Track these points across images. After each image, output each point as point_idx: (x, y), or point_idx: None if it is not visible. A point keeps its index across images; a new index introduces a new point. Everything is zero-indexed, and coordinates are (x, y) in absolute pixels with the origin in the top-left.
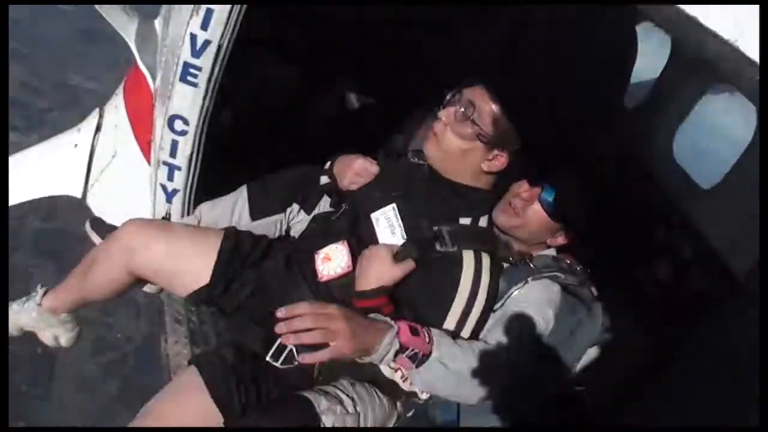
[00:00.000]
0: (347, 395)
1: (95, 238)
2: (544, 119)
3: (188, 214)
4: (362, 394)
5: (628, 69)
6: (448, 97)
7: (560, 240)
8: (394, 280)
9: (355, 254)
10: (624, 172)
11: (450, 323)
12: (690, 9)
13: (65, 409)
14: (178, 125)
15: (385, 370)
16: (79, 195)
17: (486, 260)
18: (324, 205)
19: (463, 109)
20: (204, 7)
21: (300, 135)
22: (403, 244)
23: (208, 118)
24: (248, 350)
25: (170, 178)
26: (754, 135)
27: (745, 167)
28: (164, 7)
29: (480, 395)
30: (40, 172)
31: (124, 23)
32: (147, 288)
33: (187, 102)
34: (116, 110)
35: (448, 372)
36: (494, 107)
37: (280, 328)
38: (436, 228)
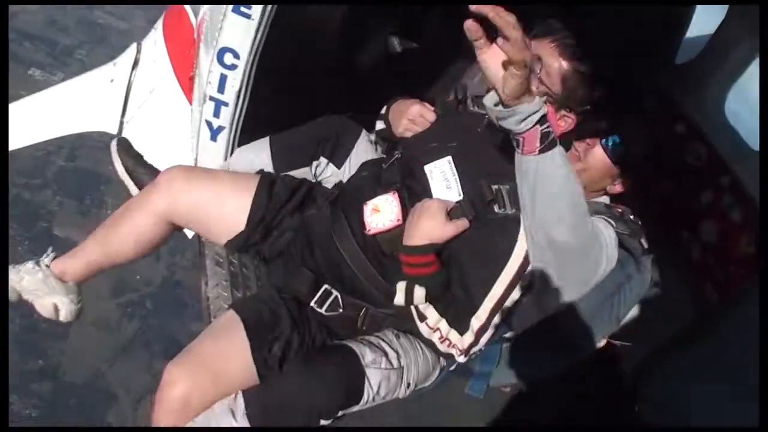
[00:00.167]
0: (392, 348)
1: (117, 163)
2: (611, 78)
3: (232, 154)
4: (406, 346)
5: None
6: None
7: (618, 188)
8: (444, 238)
9: (405, 206)
10: (673, 130)
11: (498, 289)
12: None
13: (83, 348)
14: (228, 59)
15: (424, 329)
16: (114, 131)
17: None
18: (361, 156)
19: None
20: None
21: (346, 78)
22: (459, 202)
23: (260, 52)
24: (290, 295)
25: (216, 114)
26: None
27: None
28: None
29: (572, 226)
30: (74, 107)
31: None
32: None
33: (239, 34)
34: (155, 45)
35: (566, 172)
36: (564, 64)
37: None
38: (495, 187)
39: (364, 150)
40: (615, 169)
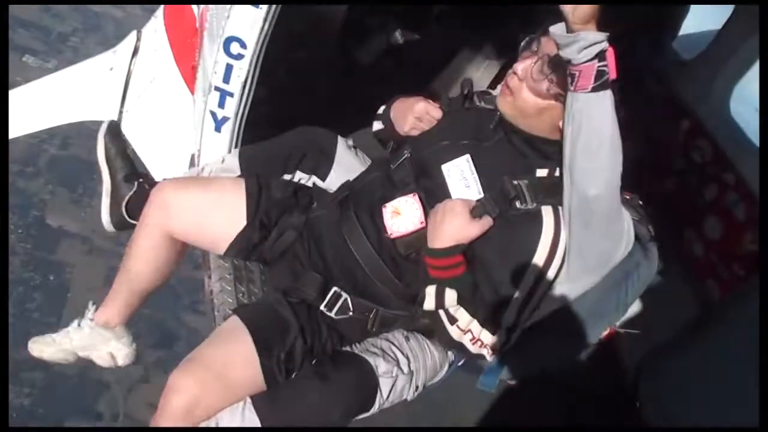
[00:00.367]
0: (403, 353)
1: (100, 147)
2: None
3: (236, 146)
4: (416, 349)
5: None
6: (523, 44)
7: None
8: (470, 238)
9: (425, 207)
10: (678, 127)
11: (526, 285)
12: None
13: None
14: (235, 48)
15: (454, 332)
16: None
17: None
18: (344, 164)
19: (541, 65)
20: None
21: (348, 72)
22: (481, 200)
23: (267, 42)
24: (298, 298)
25: (221, 104)
26: None
27: None
28: None
29: (608, 181)
30: (73, 95)
31: None
32: None
33: (247, 24)
34: (156, 33)
35: (613, 119)
36: None
37: None
38: (516, 182)
39: (345, 158)
40: None
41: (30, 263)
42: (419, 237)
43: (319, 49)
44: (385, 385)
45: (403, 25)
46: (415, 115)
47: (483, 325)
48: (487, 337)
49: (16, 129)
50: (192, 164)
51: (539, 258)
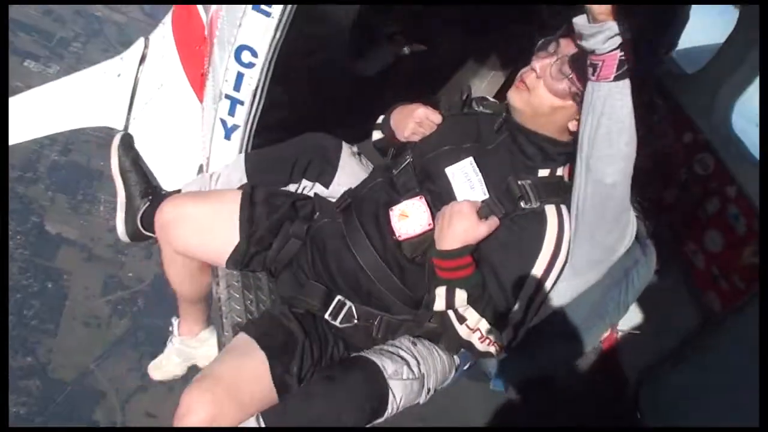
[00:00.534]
0: (411, 356)
1: (114, 159)
2: None
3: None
4: (424, 353)
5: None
6: (539, 45)
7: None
8: (479, 239)
9: (431, 211)
10: (681, 140)
11: (531, 283)
12: None
13: (73, 345)
14: (246, 57)
15: (463, 331)
16: (120, 127)
17: (567, 215)
18: (347, 171)
19: (560, 65)
20: None
21: (356, 81)
22: (487, 201)
23: (278, 51)
24: (303, 309)
25: (231, 112)
26: None
27: None
28: None
29: (623, 171)
30: (80, 101)
31: None
32: None
33: (259, 32)
34: (164, 40)
35: (631, 107)
36: None
37: None
38: (520, 183)
39: (349, 165)
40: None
41: (28, 270)
42: (426, 239)
43: (328, 59)
44: (396, 387)
45: (410, 36)
46: (415, 120)
47: (491, 323)
48: (496, 335)
49: (23, 133)
50: (200, 171)
51: (545, 255)
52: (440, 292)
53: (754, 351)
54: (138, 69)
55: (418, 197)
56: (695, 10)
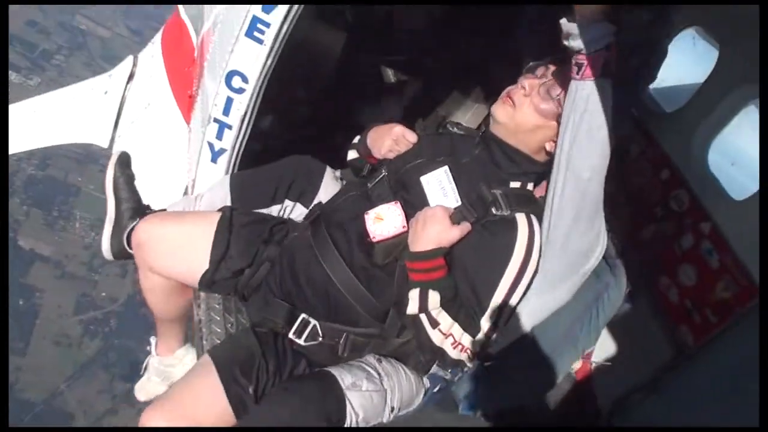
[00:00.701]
0: (374, 370)
1: (109, 174)
2: None
3: None
4: (389, 370)
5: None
6: (527, 68)
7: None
8: (450, 242)
9: (406, 215)
10: (657, 176)
11: (503, 287)
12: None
13: (42, 365)
14: (236, 82)
15: (436, 336)
16: (105, 145)
17: (537, 224)
18: (330, 193)
19: (549, 86)
20: None
21: (340, 105)
22: (459, 207)
23: (268, 78)
24: (267, 329)
25: (219, 136)
26: None
27: None
28: None
29: (600, 168)
30: (66, 117)
31: None
32: None
33: (250, 59)
34: (152, 59)
35: (611, 106)
36: None
37: None
38: (492, 191)
39: (331, 186)
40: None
41: None
42: (400, 243)
43: (315, 84)
44: (354, 398)
45: (395, 65)
46: (392, 137)
47: (464, 327)
48: (468, 341)
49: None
50: (185, 193)
51: (515, 261)
52: (413, 295)
53: (725, 383)
54: (125, 87)
55: (393, 202)
56: (675, 48)
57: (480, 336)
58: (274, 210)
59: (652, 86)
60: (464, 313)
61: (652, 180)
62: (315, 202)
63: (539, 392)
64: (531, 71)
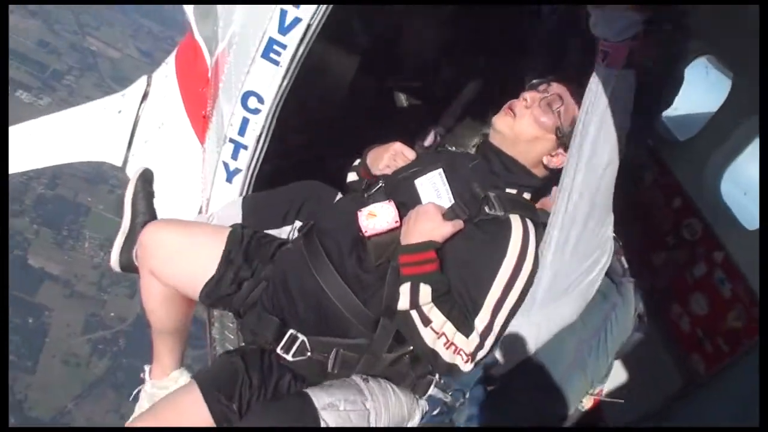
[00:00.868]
0: (357, 390)
1: (130, 187)
2: None
3: None
4: (374, 390)
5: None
6: (533, 82)
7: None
8: (443, 237)
9: (400, 213)
10: (670, 205)
11: (497, 287)
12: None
13: (51, 384)
14: (252, 102)
15: (428, 335)
16: (119, 164)
17: (532, 226)
18: None
19: (550, 100)
20: None
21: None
22: (453, 205)
23: (284, 99)
24: (256, 343)
25: (234, 156)
26: None
27: None
28: None
29: (615, 161)
30: (80, 135)
31: None
32: None
33: (266, 80)
34: (166, 79)
35: (632, 97)
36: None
37: None
38: (486, 192)
39: None
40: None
41: (9, 304)
42: (392, 241)
43: (329, 106)
44: (330, 418)
45: (406, 90)
46: (390, 153)
47: (456, 326)
48: (461, 341)
49: (20, 164)
50: (200, 212)
51: (509, 260)
52: (404, 289)
53: (736, 412)
54: (139, 107)
55: (387, 201)
56: (689, 78)
57: (474, 336)
58: (284, 232)
59: (665, 114)
60: (457, 310)
61: (664, 209)
62: None
63: (547, 418)
64: (533, 87)
